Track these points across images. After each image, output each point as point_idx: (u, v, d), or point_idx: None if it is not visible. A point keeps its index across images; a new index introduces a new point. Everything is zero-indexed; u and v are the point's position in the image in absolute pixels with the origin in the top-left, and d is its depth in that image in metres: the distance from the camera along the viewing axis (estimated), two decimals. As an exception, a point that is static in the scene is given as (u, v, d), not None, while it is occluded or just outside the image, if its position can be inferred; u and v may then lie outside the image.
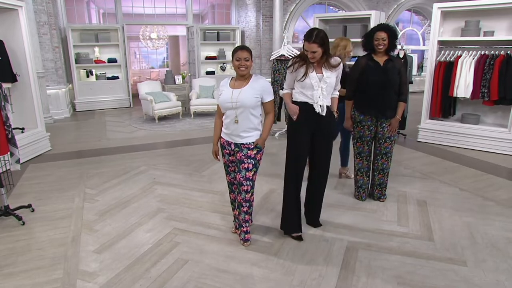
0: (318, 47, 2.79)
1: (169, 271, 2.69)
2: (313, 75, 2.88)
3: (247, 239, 3.03)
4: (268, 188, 4.19)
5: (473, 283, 2.56)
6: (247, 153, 2.81)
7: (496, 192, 4.10)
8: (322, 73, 2.90)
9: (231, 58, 2.79)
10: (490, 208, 3.70)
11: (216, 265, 2.76)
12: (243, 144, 2.83)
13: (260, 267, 2.74)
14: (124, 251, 2.96)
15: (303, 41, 2.87)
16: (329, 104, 3.00)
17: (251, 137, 2.82)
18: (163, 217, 3.54)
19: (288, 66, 3.00)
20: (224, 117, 2.89)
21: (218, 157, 3.01)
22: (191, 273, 2.67)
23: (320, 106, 2.92)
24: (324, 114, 2.94)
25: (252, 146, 2.82)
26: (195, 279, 2.59)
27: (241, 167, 2.83)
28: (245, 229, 3.01)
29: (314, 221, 3.35)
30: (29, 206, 3.65)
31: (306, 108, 2.95)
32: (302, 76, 2.89)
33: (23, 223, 3.40)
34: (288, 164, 3.07)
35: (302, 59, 2.91)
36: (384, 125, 3.59)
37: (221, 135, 2.95)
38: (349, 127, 3.75)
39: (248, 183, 2.84)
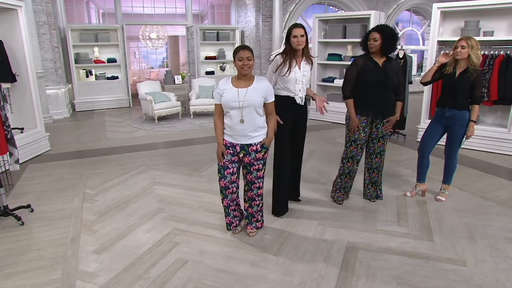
0: (305, 32, 3.13)
1: (169, 271, 2.69)
2: (296, 69, 3.22)
3: (259, 227, 3.27)
4: (266, 188, 4.15)
5: (473, 283, 2.55)
6: (256, 156, 2.90)
7: (496, 192, 4.10)
8: (300, 68, 3.25)
9: (231, 58, 2.81)
10: (490, 208, 3.70)
11: (216, 265, 2.75)
12: (250, 146, 2.85)
13: (260, 267, 2.74)
14: (124, 251, 2.96)
15: (287, 32, 3.22)
16: (305, 93, 3.36)
17: (258, 136, 2.88)
18: (163, 217, 3.53)
19: (272, 62, 3.31)
20: (226, 118, 2.87)
21: (224, 158, 2.91)
22: (191, 273, 2.66)
23: (300, 98, 3.29)
24: (302, 103, 3.33)
25: (259, 148, 2.89)
26: (195, 279, 2.59)
27: (252, 169, 2.95)
28: (257, 217, 3.21)
29: (296, 193, 3.83)
30: (28, 206, 3.65)
31: (288, 101, 3.29)
32: (287, 71, 3.18)
33: (22, 224, 3.39)
34: (276, 154, 3.42)
35: (287, 55, 3.19)
36: (379, 126, 3.56)
37: (224, 137, 2.93)
38: (355, 127, 3.48)
39: (260, 180, 3.05)
